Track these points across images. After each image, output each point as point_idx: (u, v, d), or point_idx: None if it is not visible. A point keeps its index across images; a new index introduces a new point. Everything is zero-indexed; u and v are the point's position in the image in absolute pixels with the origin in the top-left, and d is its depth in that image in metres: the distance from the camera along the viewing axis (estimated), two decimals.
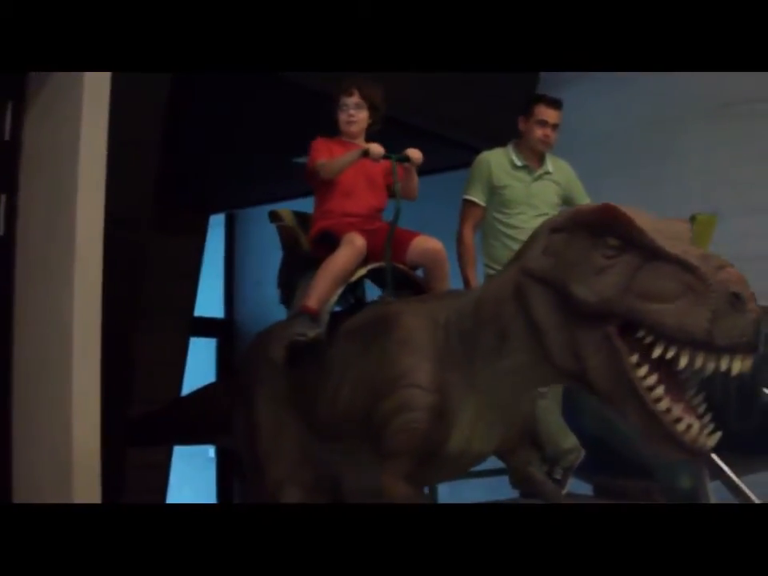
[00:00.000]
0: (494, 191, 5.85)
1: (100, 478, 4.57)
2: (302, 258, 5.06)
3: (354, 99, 5.13)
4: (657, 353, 3.10)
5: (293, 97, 6.91)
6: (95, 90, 4.75)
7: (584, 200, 6.02)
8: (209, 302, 11.52)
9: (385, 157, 4.90)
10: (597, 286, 3.24)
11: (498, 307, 3.71)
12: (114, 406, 4.92)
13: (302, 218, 5.26)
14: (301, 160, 5.31)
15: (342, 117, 5.16)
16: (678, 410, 3.13)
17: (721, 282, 3.00)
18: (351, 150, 4.94)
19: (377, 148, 4.86)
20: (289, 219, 5.25)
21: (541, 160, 5.98)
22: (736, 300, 2.97)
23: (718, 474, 4.86)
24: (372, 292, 5.05)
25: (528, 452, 4.45)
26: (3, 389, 4.83)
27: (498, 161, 5.91)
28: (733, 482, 4.75)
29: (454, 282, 5.06)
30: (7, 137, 4.96)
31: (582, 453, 5.49)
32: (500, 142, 6.10)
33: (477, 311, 3.88)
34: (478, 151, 6.14)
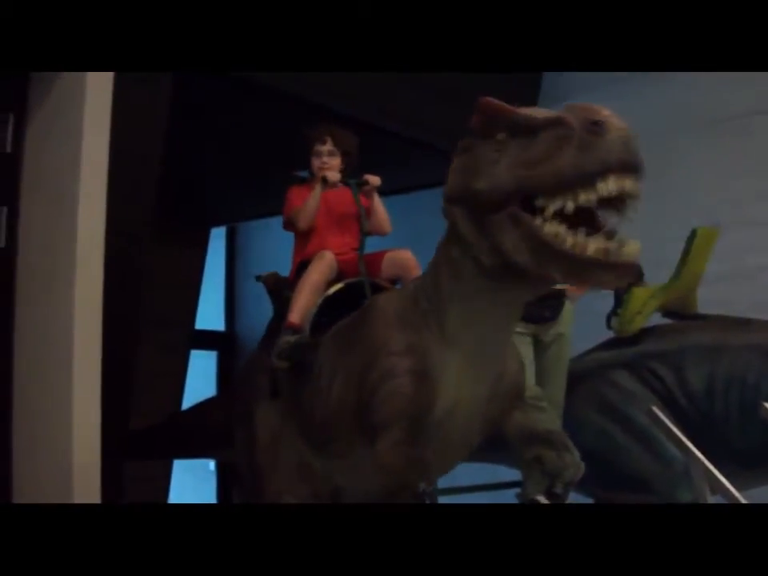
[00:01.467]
0: None
1: (100, 491, 4.57)
2: (284, 303, 5.11)
3: (327, 147, 5.25)
4: (550, 210, 3.18)
5: (294, 110, 6.92)
6: (97, 103, 4.77)
7: None
8: (209, 314, 11.52)
9: (343, 183, 5.08)
10: (491, 175, 3.36)
11: (445, 250, 3.81)
12: (115, 418, 4.93)
13: (285, 281, 5.33)
14: (303, 174, 5.33)
15: (316, 163, 5.27)
16: (581, 238, 3.18)
17: (582, 119, 3.09)
18: (314, 189, 5.07)
19: (332, 174, 5.07)
20: (272, 282, 5.32)
21: None
22: (596, 126, 3.05)
23: (718, 487, 4.85)
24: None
25: (523, 413, 4.42)
26: (4, 401, 4.83)
27: None
28: (733, 495, 4.74)
29: None
30: (9, 149, 4.98)
31: (583, 467, 5.47)
32: None
33: (434, 265, 3.97)
34: None
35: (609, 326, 5.76)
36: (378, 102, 6.85)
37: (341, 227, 5.17)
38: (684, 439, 4.95)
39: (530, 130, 3.29)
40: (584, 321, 5.52)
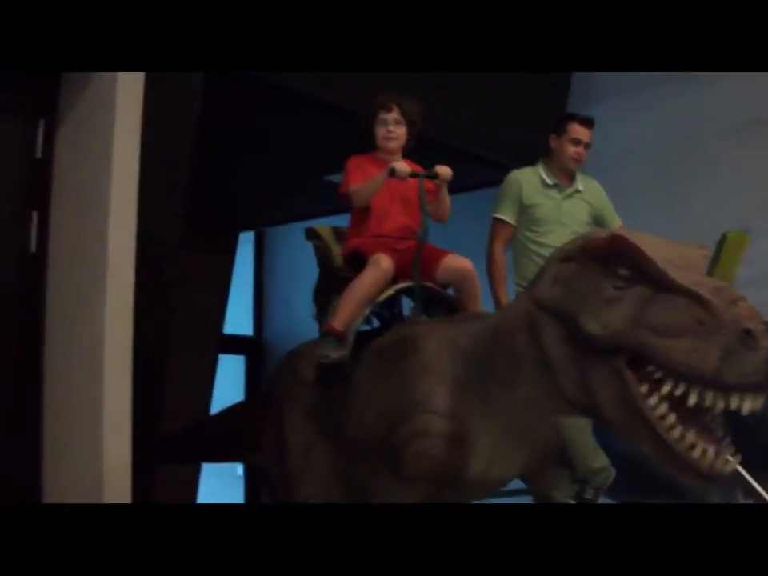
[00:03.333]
0: (524, 210, 5.83)
1: (130, 494, 4.58)
2: (335, 276, 5.04)
3: (394, 115, 5.08)
4: (666, 389, 3.05)
5: (323, 115, 6.93)
6: (127, 107, 4.77)
7: (614, 219, 6.00)
8: (238, 319, 11.54)
9: (412, 175, 4.85)
10: (606, 318, 3.19)
11: (512, 337, 3.67)
12: (145, 422, 4.93)
13: (340, 234, 5.24)
14: (331, 178, 5.30)
15: (381, 132, 5.11)
16: (691, 437, 3.08)
17: (732, 318, 2.92)
18: (380, 172, 4.89)
19: (402, 166, 4.82)
20: (327, 236, 5.24)
21: (571, 178, 5.96)
22: (747, 337, 2.89)
23: (751, 492, 4.82)
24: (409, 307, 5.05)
25: (552, 476, 4.41)
26: (35, 405, 4.85)
27: (528, 179, 5.89)
28: (764, 499, 4.71)
29: (486, 300, 5.04)
30: (39, 154, 4.99)
31: (613, 472, 5.45)
32: (530, 161, 6.09)
33: (493, 339, 3.86)
34: (508, 169, 6.12)
35: None
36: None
37: (404, 208, 5.05)
38: None
39: (662, 286, 3.11)
40: None
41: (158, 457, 5.94)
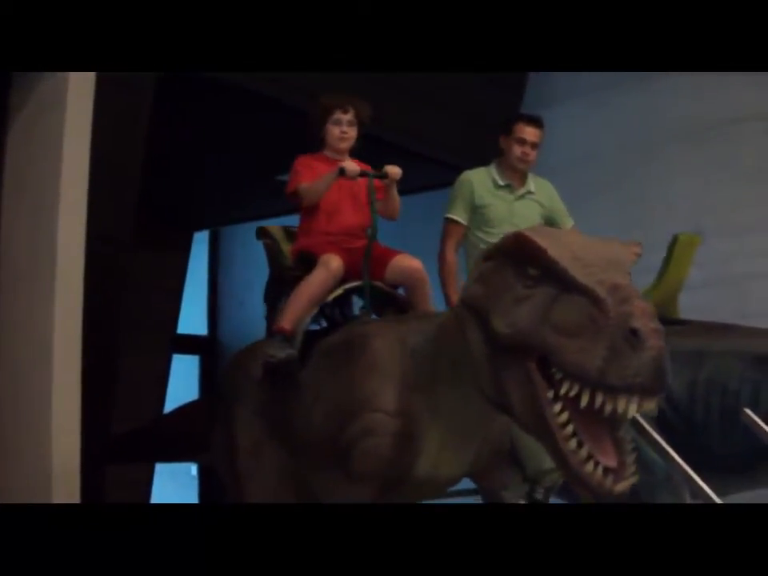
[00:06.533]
0: (476, 210, 5.84)
1: (79, 495, 4.55)
2: (285, 275, 5.04)
3: (349, 116, 5.11)
4: (563, 389, 3.02)
5: (277, 115, 6.92)
6: (78, 107, 4.75)
7: (566, 220, 6.03)
8: (192, 319, 11.50)
9: (362, 174, 4.88)
10: (514, 317, 3.19)
11: (451, 336, 3.68)
12: (96, 422, 4.91)
13: (291, 234, 5.24)
14: (284, 178, 5.29)
15: (335, 132, 5.12)
16: (585, 451, 3.05)
17: (621, 316, 2.88)
18: (329, 172, 4.91)
19: (352, 166, 4.86)
20: (278, 235, 5.23)
21: (523, 179, 5.98)
22: (633, 337, 2.82)
23: (699, 493, 4.85)
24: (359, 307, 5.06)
25: (501, 476, 4.42)
26: None
27: (480, 180, 5.90)
28: (713, 501, 4.74)
29: (437, 300, 5.05)
30: None
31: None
32: (483, 162, 6.10)
33: (437, 338, 3.88)
34: (460, 170, 6.14)
35: None
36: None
37: (353, 206, 5.06)
38: (665, 445, 4.94)
39: (566, 285, 3.08)
40: None
41: (111, 456, 5.92)
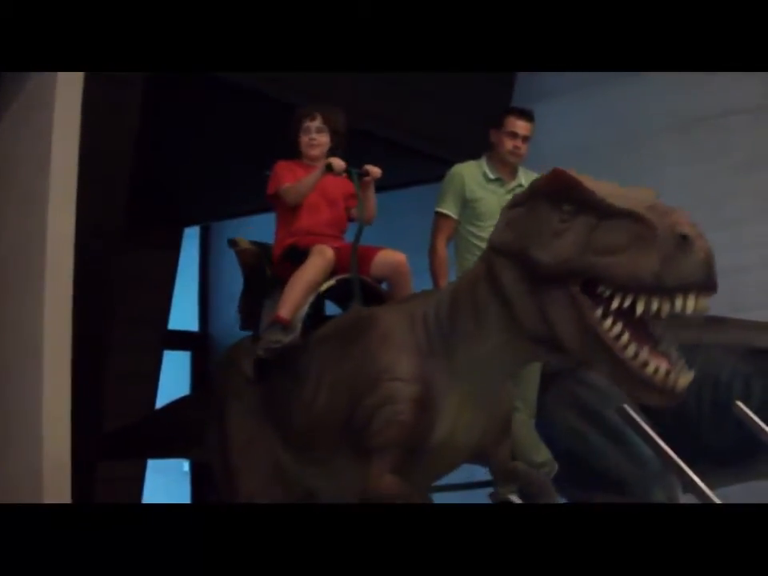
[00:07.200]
0: (466, 204, 5.83)
1: (70, 492, 4.53)
2: (265, 280, 5.08)
3: (316, 123, 5.27)
4: (615, 303, 3.18)
5: (268, 110, 6.91)
6: (67, 101, 4.72)
7: None
8: (183, 314, 11.48)
9: (346, 171, 5.06)
10: (555, 248, 3.33)
11: (473, 291, 3.79)
12: (87, 419, 4.89)
13: (260, 246, 5.30)
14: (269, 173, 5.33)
15: (304, 140, 5.29)
16: (644, 355, 3.21)
17: (667, 226, 3.08)
18: (313, 172, 5.06)
19: (339, 162, 5.03)
20: (251, 245, 5.30)
21: (514, 173, 5.97)
22: (683, 241, 3.05)
23: (691, 486, 4.86)
24: (330, 310, 5.14)
25: (510, 448, 4.47)
26: None
27: (470, 173, 5.89)
28: (706, 494, 4.75)
29: None
30: None
31: (556, 466, 5.48)
32: (473, 155, 6.09)
33: (453, 299, 3.97)
34: (451, 164, 6.13)
35: None
36: (354, 102, 6.85)
37: (331, 207, 5.19)
38: (657, 438, 4.96)
39: (605, 212, 3.27)
40: None
41: (102, 454, 5.91)
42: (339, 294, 4.89)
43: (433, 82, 7.64)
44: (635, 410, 5.20)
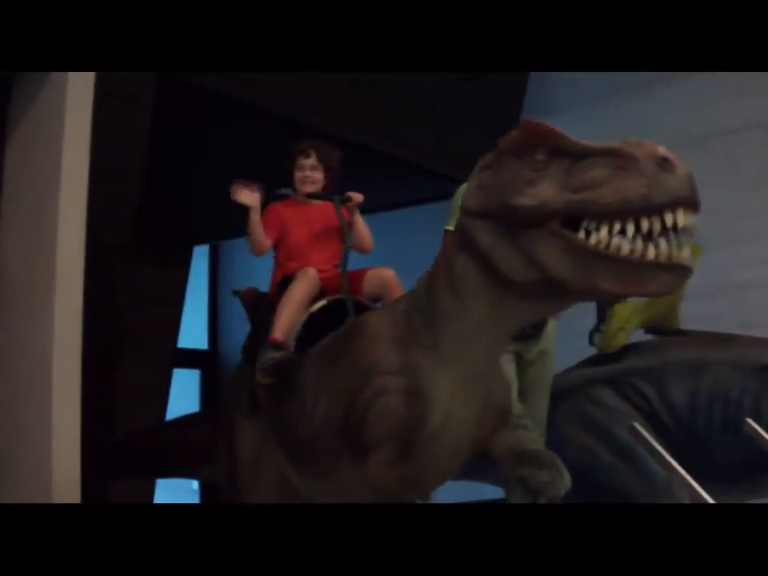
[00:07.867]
0: None
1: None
2: (267, 321, 5.09)
3: (311, 161, 5.27)
4: (603, 233, 3.17)
5: (280, 128, 6.92)
6: (77, 118, 4.75)
7: None
8: (192, 333, 11.48)
9: (327, 197, 5.13)
10: (533, 194, 3.33)
11: (448, 266, 3.79)
12: (96, 437, 4.90)
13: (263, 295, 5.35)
14: (286, 192, 5.34)
15: (298, 176, 5.30)
16: (639, 246, 3.15)
17: (646, 153, 3.12)
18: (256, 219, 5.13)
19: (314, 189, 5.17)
20: (248, 289, 5.37)
21: None
22: (665, 162, 3.09)
23: (695, 497, 4.85)
24: None
25: (511, 433, 4.43)
26: None
27: None
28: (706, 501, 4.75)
29: None
30: None
31: (569, 485, 5.46)
32: None
33: (429, 284, 3.97)
34: (460, 182, 6.12)
35: (591, 343, 5.77)
36: (365, 120, 6.87)
37: (322, 243, 5.18)
38: (666, 455, 4.95)
39: (579, 155, 3.31)
40: (567, 338, 5.51)
41: (112, 472, 5.90)
42: (334, 317, 4.88)
43: (442, 100, 7.66)
44: (646, 429, 5.20)
